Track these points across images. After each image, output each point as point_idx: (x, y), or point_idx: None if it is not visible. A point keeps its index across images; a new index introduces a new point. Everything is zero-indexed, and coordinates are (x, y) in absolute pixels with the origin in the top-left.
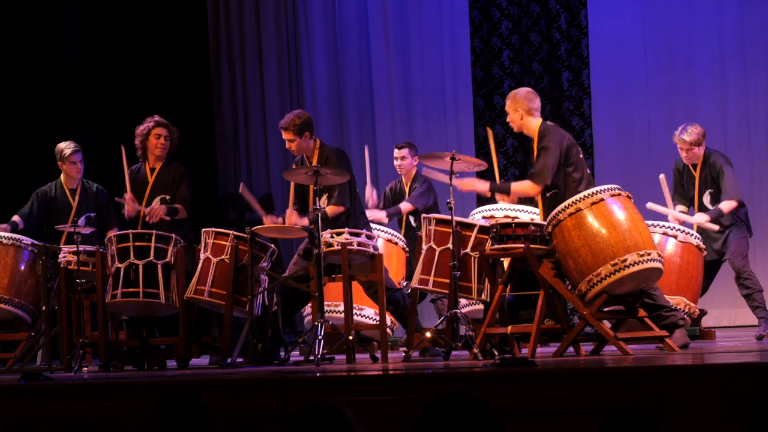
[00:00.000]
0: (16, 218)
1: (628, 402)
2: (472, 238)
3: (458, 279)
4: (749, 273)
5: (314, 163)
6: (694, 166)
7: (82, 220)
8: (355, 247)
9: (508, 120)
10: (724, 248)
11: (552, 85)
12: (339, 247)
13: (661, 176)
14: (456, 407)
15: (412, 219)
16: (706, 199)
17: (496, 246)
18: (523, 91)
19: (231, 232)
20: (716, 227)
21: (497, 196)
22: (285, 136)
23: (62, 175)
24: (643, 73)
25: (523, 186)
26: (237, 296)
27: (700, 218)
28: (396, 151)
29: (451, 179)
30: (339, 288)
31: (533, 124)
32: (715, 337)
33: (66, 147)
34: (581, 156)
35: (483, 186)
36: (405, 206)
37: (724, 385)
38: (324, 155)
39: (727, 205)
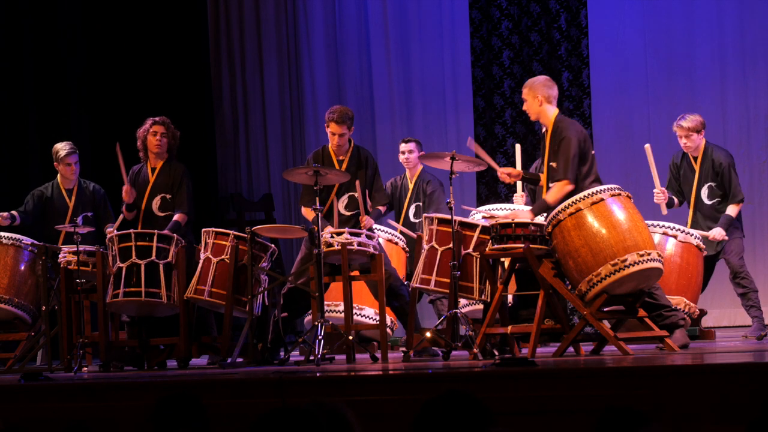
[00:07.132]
0: (14, 213)
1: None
2: (474, 239)
3: (460, 279)
4: (746, 273)
5: (346, 160)
6: (695, 158)
7: (79, 220)
8: (355, 247)
9: (524, 108)
10: (719, 246)
11: None
12: (339, 247)
13: (647, 146)
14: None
15: (411, 214)
16: (704, 192)
17: (496, 246)
18: (542, 78)
19: (231, 232)
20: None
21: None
22: (338, 129)
23: (58, 176)
24: (643, 73)
25: (556, 192)
26: (237, 296)
27: (719, 232)
28: (403, 145)
29: (451, 179)
30: (339, 288)
31: (551, 112)
32: (715, 337)
33: (62, 148)
34: (593, 152)
35: (527, 214)
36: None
37: (724, 385)
38: (363, 156)
39: (734, 210)
